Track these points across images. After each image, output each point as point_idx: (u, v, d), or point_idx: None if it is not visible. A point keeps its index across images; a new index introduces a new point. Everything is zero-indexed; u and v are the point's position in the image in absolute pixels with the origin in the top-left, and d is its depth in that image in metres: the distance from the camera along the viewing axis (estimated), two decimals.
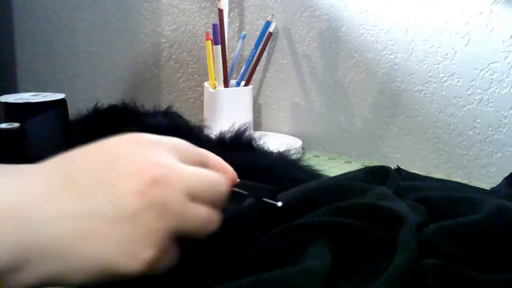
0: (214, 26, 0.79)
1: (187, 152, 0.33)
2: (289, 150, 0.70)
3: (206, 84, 0.84)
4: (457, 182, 0.62)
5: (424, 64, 0.72)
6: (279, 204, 0.39)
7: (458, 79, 0.69)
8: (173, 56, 0.96)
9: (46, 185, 0.28)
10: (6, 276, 0.25)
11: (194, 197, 0.30)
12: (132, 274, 0.28)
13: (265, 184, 0.40)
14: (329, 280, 0.34)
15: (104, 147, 0.31)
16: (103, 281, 0.28)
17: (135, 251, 0.28)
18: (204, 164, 0.34)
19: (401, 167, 0.65)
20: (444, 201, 0.46)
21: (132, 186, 0.28)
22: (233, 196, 0.37)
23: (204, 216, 0.31)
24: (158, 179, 0.29)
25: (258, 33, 0.87)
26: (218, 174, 0.33)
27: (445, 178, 0.66)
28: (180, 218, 0.29)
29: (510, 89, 0.65)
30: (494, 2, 0.65)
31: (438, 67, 0.71)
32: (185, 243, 0.31)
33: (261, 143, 0.69)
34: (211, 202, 0.31)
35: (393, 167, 0.58)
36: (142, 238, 0.28)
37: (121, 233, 0.28)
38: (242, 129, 0.70)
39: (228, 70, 0.83)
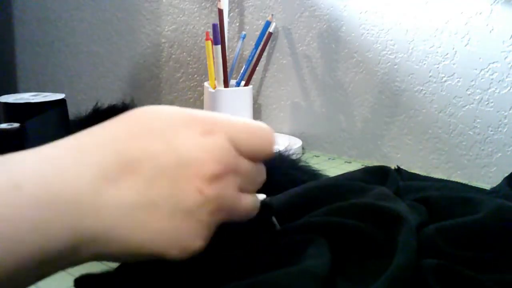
0: (214, 26, 0.79)
1: (240, 135, 0.33)
2: (289, 150, 0.70)
3: (206, 84, 0.84)
4: (457, 182, 0.62)
5: (424, 64, 0.72)
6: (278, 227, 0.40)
7: (458, 79, 0.69)
8: (173, 56, 0.96)
9: (99, 165, 0.27)
10: (54, 260, 0.25)
11: (243, 187, 0.32)
12: (175, 260, 0.29)
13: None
14: (329, 280, 0.34)
15: (154, 125, 0.30)
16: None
17: (186, 244, 0.28)
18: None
19: (401, 167, 0.65)
20: (444, 201, 0.46)
21: (193, 183, 0.29)
22: None
23: (250, 207, 0.33)
24: (217, 175, 0.29)
25: (258, 33, 0.87)
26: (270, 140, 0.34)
27: (445, 178, 0.66)
28: (231, 211, 0.31)
29: (510, 89, 0.65)
30: (494, 2, 0.65)
31: (438, 67, 0.71)
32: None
33: None
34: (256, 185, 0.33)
35: (393, 167, 0.58)
36: (195, 232, 0.29)
37: (176, 227, 0.28)
38: None
39: (228, 70, 0.83)
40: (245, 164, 0.32)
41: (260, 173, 0.34)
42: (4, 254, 0.23)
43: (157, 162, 0.28)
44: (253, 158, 0.33)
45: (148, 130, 0.29)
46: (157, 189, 0.28)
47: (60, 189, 0.25)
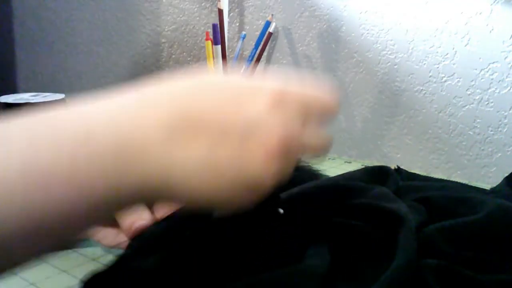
0: (214, 26, 0.79)
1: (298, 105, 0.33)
2: None
3: None
4: (457, 182, 0.62)
5: (424, 64, 0.72)
6: (281, 211, 0.39)
7: (458, 79, 0.69)
8: (173, 56, 0.96)
9: (164, 122, 0.27)
10: (123, 202, 0.27)
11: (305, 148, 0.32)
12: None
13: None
14: (329, 280, 0.34)
15: (225, 89, 0.30)
16: None
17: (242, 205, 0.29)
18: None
19: (401, 167, 0.65)
20: (444, 201, 0.46)
21: (259, 150, 0.28)
22: None
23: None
24: (284, 146, 0.29)
25: (258, 33, 0.87)
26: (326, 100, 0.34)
27: (445, 178, 0.66)
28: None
29: (510, 89, 0.65)
30: (494, 2, 0.65)
31: (438, 67, 0.71)
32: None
33: None
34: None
35: (393, 167, 0.58)
36: (251, 199, 0.29)
37: (237, 194, 0.28)
38: None
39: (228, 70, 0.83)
40: (311, 132, 0.32)
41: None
42: (76, 198, 0.24)
43: (227, 122, 0.28)
44: (319, 121, 0.33)
45: (218, 91, 0.29)
46: (225, 149, 0.28)
47: (129, 139, 0.26)
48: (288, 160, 0.30)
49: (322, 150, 0.34)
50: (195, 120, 0.28)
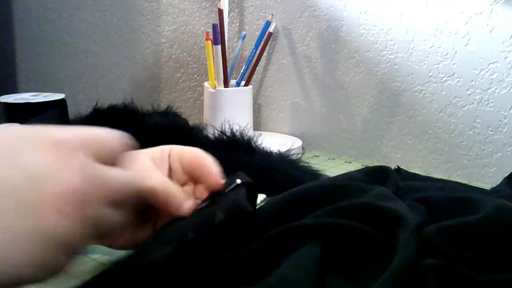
0: (214, 26, 0.79)
1: (100, 150, 0.31)
2: (289, 150, 0.70)
3: (206, 84, 0.84)
4: (457, 182, 0.62)
5: (424, 64, 0.72)
6: (238, 181, 0.39)
7: (458, 79, 0.69)
8: (173, 56, 0.96)
9: None
10: None
11: (114, 202, 0.30)
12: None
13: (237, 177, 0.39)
14: (329, 280, 0.34)
15: (15, 158, 0.27)
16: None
17: (54, 269, 0.27)
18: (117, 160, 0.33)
19: (401, 167, 0.65)
20: (444, 201, 0.46)
21: (51, 202, 0.26)
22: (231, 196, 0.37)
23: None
24: (77, 190, 0.27)
25: (258, 33, 0.87)
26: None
27: (445, 178, 0.66)
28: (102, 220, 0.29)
29: (510, 89, 0.65)
30: (494, 2, 0.65)
31: (438, 67, 0.71)
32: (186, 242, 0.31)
33: (261, 143, 0.69)
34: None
35: (393, 167, 0.58)
36: (62, 256, 0.27)
37: (42, 253, 0.26)
38: (242, 129, 0.70)
39: (228, 70, 0.83)
40: (112, 176, 0.30)
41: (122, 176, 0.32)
42: None
43: (4, 186, 0.26)
44: (110, 161, 0.31)
45: None
46: (10, 216, 0.25)
47: None
48: (92, 206, 0.28)
49: (128, 187, 0.32)
50: None
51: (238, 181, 0.38)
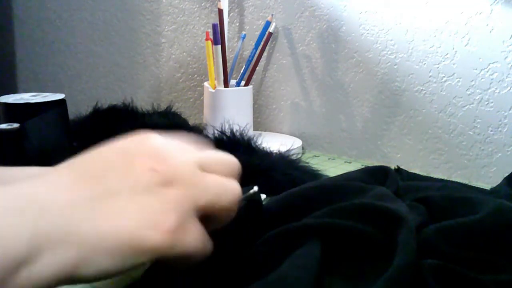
0: (214, 26, 0.79)
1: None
2: (289, 150, 0.70)
3: (206, 84, 0.84)
4: (457, 182, 0.62)
5: (424, 64, 0.72)
6: (255, 188, 0.39)
7: (458, 79, 0.69)
8: (173, 56, 0.96)
9: (58, 180, 0.28)
10: (23, 270, 0.24)
11: (206, 169, 0.32)
12: (158, 247, 0.28)
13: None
14: (329, 281, 0.34)
15: (113, 144, 0.31)
16: (128, 269, 0.27)
17: (156, 221, 0.28)
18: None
19: (401, 167, 0.65)
20: (444, 201, 0.46)
21: (144, 164, 0.29)
22: None
23: (218, 184, 0.32)
24: (169, 157, 0.30)
25: (258, 33, 0.87)
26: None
27: (445, 178, 0.66)
28: (194, 186, 0.30)
29: (510, 89, 0.65)
30: (494, 2, 0.65)
31: (438, 67, 0.71)
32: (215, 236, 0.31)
33: (261, 143, 0.69)
34: (224, 175, 0.33)
35: (393, 167, 0.58)
36: (161, 208, 0.28)
37: (139, 207, 0.28)
38: (242, 129, 0.70)
39: (228, 70, 0.83)
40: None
41: (228, 161, 0.35)
42: None
43: (108, 161, 0.30)
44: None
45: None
46: (109, 178, 0.28)
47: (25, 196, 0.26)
48: (182, 167, 0.30)
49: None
50: (79, 172, 0.29)
51: (256, 188, 0.39)
